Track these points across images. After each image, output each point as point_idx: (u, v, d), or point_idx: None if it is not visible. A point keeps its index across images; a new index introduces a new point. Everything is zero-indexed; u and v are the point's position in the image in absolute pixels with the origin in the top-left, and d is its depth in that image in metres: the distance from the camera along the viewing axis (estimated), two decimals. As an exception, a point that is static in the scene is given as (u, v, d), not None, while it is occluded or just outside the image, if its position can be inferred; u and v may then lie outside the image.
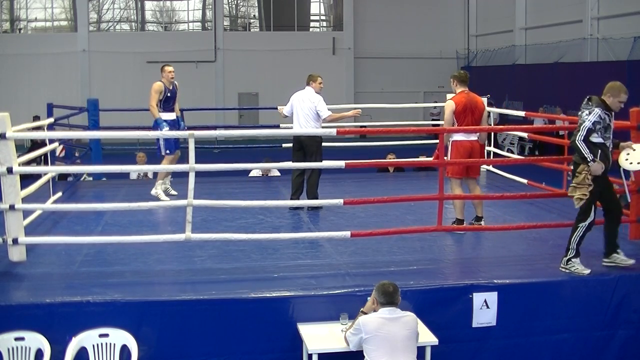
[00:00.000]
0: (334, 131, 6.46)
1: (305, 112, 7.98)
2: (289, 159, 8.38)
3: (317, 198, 7.92)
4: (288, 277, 5.71)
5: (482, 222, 7.16)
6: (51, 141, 8.32)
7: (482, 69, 28.31)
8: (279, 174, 11.04)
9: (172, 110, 8.67)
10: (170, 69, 8.64)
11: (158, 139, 8.45)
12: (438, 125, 8.35)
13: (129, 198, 7.23)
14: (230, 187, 9.61)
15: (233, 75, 29.14)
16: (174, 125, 8.55)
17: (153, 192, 8.54)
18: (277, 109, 11.35)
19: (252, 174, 11.17)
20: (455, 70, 7.42)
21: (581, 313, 5.66)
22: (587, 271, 5.74)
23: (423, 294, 5.42)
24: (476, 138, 7.13)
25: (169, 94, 8.54)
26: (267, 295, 5.30)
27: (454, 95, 7.24)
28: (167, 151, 8.48)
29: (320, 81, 8.22)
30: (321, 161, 7.91)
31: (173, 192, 8.70)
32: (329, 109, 8.07)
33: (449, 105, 7.08)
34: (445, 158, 7.08)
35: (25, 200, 5.96)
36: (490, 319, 5.49)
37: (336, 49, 30.10)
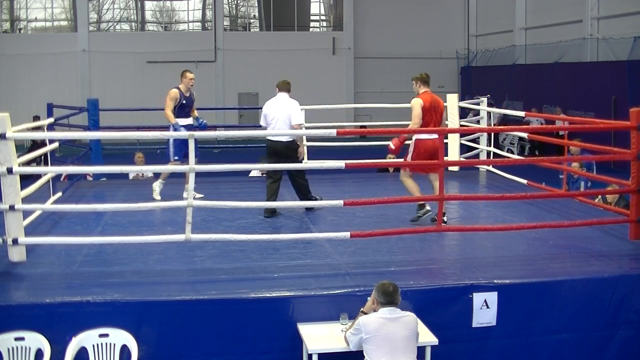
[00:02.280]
0: (334, 131, 6.45)
1: (284, 119, 7.81)
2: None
3: (313, 199, 7.81)
4: (288, 277, 5.71)
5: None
6: (51, 141, 8.32)
7: (482, 69, 28.30)
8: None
9: (188, 116, 8.63)
10: (191, 75, 8.62)
11: (168, 144, 8.40)
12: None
13: (129, 198, 7.24)
14: (231, 187, 9.61)
15: (233, 75, 29.12)
16: (190, 130, 8.43)
17: (154, 193, 8.54)
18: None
19: (252, 174, 11.18)
20: (417, 73, 7.81)
21: (581, 313, 5.65)
22: None
23: (423, 294, 5.42)
24: (437, 136, 7.17)
25: (184, 101, 8.47)
26: (267, 295, 5.30)
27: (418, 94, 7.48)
28: (175, 157, 8.38)
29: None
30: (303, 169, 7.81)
31: (199, 195, 8.37)
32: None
33: (418, 102, 7.36)
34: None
35: (25, 200, 5.96)
36: (490, 319, 5.49)
37: (336, 49, 30.08)
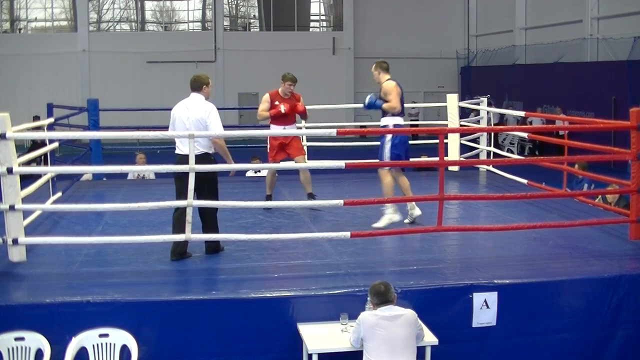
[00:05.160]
0: (334, 131, 6.44)
1: (194, 125, 6.06)
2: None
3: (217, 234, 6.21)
4: (288, 277, 5.71)
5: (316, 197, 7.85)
6: (51, 141, 8.32)
7: (482, 69, 28.29)
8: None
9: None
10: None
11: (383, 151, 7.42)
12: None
13: (129, 198, 7.23)
14: (231, 187, 9.59)
15: (233, 75, 29.12)
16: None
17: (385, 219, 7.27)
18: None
19: (247, 173, 11.21)
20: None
21: (581, 313, 5.66)
22: None
23: (423, 294, 5.42)
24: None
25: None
26: (267, 295, 5.30)
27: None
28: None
29: (210, 85, 6.39)
30: (215, 189, 6.22)
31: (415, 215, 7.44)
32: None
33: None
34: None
35: (25, 200, 5.96)
36: (490, 319, 5.49)
37: (336, 49, 30.08)
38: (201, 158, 5.95)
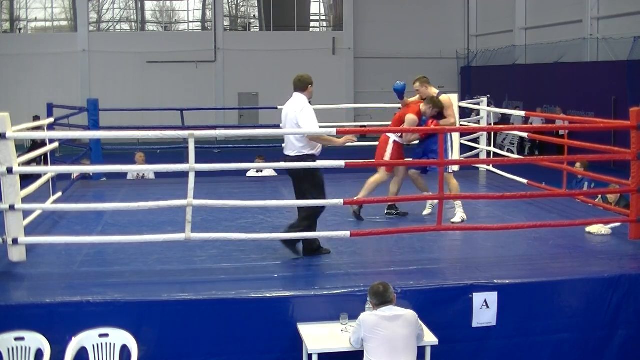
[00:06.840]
0: (333, 131, 6.44)
1: (291, 125, 6.24)
2: None
3: (314, 245, 6.28)
4: (288, 277, 5.71)
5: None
6: (51, 141, 8.32)
7: (482, 69, 28.29)
8: (275, 173, 11.02)
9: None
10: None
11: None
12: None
13: (129, 198, 7.24)
14: (230, 187, 9.60)
15: (233, 75, 29.10)
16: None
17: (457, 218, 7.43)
18: (277, 108, 11.38)
19: (248, 173, 11.20)
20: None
21: (581, 313, 5.66)
22: None
23: (423, 294, 5.42)
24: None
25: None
26: (267, 295, 5.30)
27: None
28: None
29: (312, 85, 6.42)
30: (317, 188, 6.20)
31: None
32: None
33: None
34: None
35: (25, 200, 5.96)
36: (490, 319, 5.49)
37: (336, 49, 30.06)
38: (301, 159, 6.11)
